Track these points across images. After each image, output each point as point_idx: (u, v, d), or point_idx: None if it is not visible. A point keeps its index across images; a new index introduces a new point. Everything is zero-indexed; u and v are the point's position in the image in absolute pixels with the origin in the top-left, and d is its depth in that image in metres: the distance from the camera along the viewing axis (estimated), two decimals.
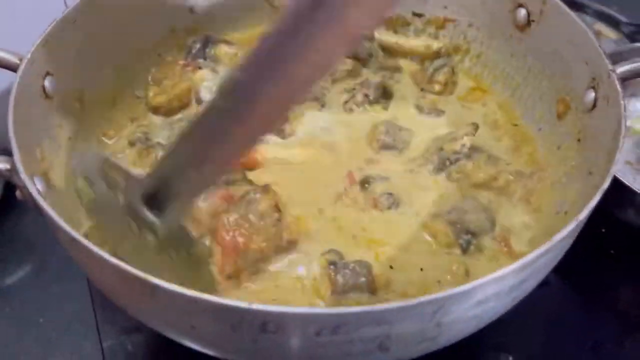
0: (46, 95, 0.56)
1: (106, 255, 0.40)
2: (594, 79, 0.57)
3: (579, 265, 0.65)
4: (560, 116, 0.63)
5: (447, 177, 0.62)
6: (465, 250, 0.57)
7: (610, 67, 0.54)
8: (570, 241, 0.48)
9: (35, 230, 0.71)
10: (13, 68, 0.53)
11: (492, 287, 0.42)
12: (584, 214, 0.45)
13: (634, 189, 0.62)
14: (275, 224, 0.54)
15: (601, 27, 0.86)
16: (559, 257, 0.49)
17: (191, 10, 0.72)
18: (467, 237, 0.57)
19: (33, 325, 0.63)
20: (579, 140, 0.59)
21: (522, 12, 0.65)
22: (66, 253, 0.66)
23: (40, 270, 0.68)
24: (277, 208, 0.54)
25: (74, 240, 0.42)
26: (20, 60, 0.53)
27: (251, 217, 0.53)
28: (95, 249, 0.41)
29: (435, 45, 0.72)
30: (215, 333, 0.42)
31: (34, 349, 0.61)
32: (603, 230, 0.69)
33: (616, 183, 0.62)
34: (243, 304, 0.39)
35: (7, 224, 0.71)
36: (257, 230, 0.53)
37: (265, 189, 0.55)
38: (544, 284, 0.64)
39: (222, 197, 0.55)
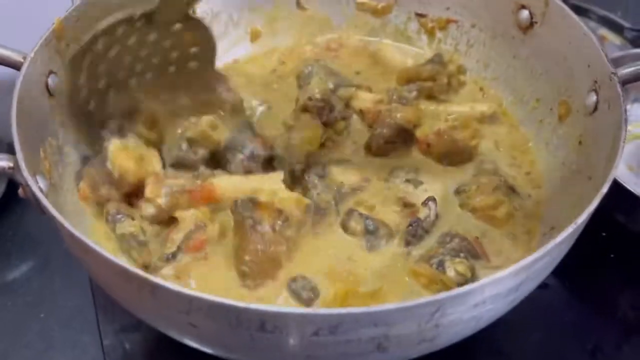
0: (49, 93, 0.57)
1: (107, 254, 0.41)
2: (595, 81, 0.57)
3: (578, 268, 0.65)
4: (561, 118, 0.63)
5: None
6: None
7: (612, 69, 0.54)
8: (568, 245, 0.48)
9: (39, 226, 0.71)
10: (17, 66, 0.54)
11: (490, 289, 0.42)
12: (582, 218, 0.45)
13: (635, 193, 0.62)
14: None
15: (605, 32, 0.86)
16: (558, 260, 0.49)
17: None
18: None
19: (34, 319, 0.63)
20: (580, 143, 0.59)
21: (525, 13, 0.65)
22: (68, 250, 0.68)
23: (43, 266, 0.68)
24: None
25: (75, 238, 0.42)
26: (24, 58, 0.54)
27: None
28: (97, 247, 0.41)
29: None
30: (213, 331, 0.43)
31: (35, 343, 0.61)
32: (603, 234, 0.68)
33: (617, 187, 0.62)
34: (241, 304, 0.39)
35: (12, 219, 0.72)
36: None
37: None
38: (543, 287, 0.65)
39: None
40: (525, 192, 0.62)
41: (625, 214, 0.66)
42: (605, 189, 0.47)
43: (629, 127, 0.52)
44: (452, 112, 0.67)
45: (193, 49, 0.61)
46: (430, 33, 0.75)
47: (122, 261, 0.41)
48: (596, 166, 0.54)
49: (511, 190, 0.61)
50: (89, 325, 0.62)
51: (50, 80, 0.56)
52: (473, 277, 0.54)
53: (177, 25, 0.59)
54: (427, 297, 0.40)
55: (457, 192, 0.61)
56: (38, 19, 0.57)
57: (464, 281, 0.53)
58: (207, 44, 0.62)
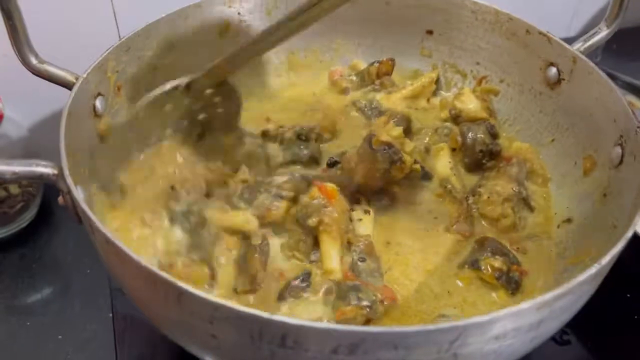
0: (95, 113, 0.60)
1: (138, 258, 0.42)
2: (621, 136, 0.58)
3: (602, 328, 0.64)
4: (586, 172, 0.64)
5: None
6: None
7: (638, 123, 0.56)
8: (591, 288, 0.48)
9: (64, 252, 0.74)
10: (69, 86, 0.57)
11: (511, 321, 0.42)
12: (606, 259, 0.45)
13: None
14: None
15: (632, 98, 0.88)
16: (580, 303, 0.48)
17: None
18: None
19: (51, 340, 0.64)
20: (604, 195, 0.60)
21: (553, 70, 0.67)
22: (93, 273, 0.69)
23: (65, 289, 0.70)
24: None
25: (108, 242, 0.44)
26: (77, 79, 0.57)
27: None
28: (129, 251, 0.43)
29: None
30: (234, 344, 0.43)
31: None
32: (628, 295, 0.68)
33: None
34: (264, 314, 0.39)
35: (39, 243, 0.74)
36: None
37: None
38: (565, 343, 0.64)
39: None
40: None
41: None
42: (629, 234, 0.47)
43: None
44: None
45: (219, 110, 0.66)
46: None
47: (153, 266, 0.42)
48: (621, 216, 0.54)
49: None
50: (105, 350, 0.62)
51: (97, 102, 0.60)
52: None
53: (209, 91, 0.64)
54: (449, 323, 0.40)
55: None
56: (89, 44, 0.61)
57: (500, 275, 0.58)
58: (234, 104, 0.67)
